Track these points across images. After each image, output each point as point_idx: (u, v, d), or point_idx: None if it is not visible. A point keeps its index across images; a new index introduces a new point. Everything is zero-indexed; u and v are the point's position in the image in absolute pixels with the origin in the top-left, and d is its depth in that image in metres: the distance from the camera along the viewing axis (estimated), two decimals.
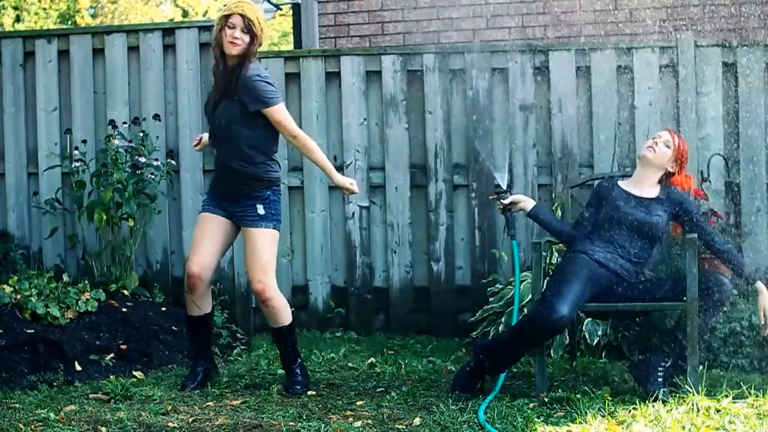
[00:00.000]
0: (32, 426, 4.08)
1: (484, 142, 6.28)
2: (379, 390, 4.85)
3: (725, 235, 5.46)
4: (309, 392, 4.77)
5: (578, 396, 4.39)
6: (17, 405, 4.47)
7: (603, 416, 4.11)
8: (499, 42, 7.98)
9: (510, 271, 6.12)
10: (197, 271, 4.76)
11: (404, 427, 4.09)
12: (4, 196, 6.66)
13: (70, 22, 19.74)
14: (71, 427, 4.07)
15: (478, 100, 6.35)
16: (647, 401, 4.30)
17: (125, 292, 6.08)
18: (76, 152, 6.34)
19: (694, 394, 4.31)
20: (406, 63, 6.46)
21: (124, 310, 5.73)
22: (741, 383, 4.53)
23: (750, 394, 4.39)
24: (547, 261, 5.62)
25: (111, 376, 4.95)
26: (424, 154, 6.44)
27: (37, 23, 19.33)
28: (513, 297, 5.26)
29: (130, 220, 6.22)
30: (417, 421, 4.16)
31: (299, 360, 4.91)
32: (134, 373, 5.15)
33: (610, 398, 4.37)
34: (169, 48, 6.56)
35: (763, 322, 4.63)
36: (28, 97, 6.67)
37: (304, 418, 4.24)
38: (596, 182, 5.09)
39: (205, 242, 4.79)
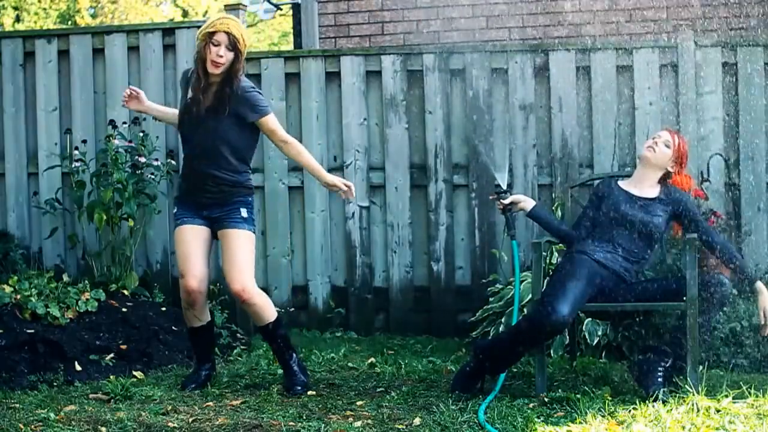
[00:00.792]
0: (32, 426, 4.08)
1: (484, 142, 6.28)
2: (379, 390, 4.85)
3: (725, 235, 5.46)
4: (309, 392, 4.76)
5: (578, 396, 4.39)
6: (17, 405, 4.47)
7: (603, 416, 4.11)
8: (499, 42, 7.99)
9: (510, 271, 6.12)
10: (196, 286, 4.74)
11: (404, 427, 4.09)
12: (4, 196, 6.67)
13: (70, 22, 19.72)
14: (71, 427, 4.07)
15: (478, 100, 6.35)
16: (647, 401, 4.30)
17: (125, 292, 6.08)
18: (76, 152, 6.35)
19: (694, 394, 4.31)
20: (406, 63, 6.46)
21: (124, 310, 5.73)
22: (741, 383, 4.53)
23: (750, 394, 4.38)
24: (547, 261, 5.62)
25: (111, 376, 4.95)
26: (424, 154, 6.44)
27: (37, 23, 19.32)
28: (513, 297, 5.25)
29: (130, 220, 6.22)
30: (417, 421, 4.15)
31: (294, 355, 4.88)
32: (134, 373, 5.16)
33: (610, 398, 4.36)
34: (169, 48, 6.57)
35: (763, 322, 4.63)
36: (28, 97, 6.68)
37: (304, 418, 4.23)
38: (596, 182, 5.09)
39: (195, 255, 4.77)
